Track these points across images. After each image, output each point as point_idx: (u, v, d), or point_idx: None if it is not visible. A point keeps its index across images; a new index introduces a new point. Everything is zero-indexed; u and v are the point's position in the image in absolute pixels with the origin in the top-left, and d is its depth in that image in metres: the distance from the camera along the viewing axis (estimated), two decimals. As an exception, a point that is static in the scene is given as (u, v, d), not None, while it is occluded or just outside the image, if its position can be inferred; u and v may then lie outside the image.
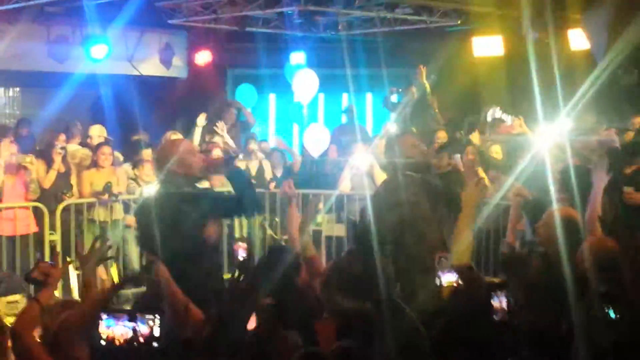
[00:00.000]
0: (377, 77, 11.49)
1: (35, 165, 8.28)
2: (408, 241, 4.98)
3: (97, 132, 9.33)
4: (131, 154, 9.48)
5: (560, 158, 6.83)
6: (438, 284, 3.89)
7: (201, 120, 10.09)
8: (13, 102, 12.15)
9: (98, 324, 2.13)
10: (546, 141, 7.16)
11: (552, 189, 5.91)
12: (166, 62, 11.75)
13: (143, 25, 11.14)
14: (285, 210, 9.56)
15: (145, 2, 9.87)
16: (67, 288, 8.50)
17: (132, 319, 2.17)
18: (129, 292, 8.50)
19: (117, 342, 2.11)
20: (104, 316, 2.16)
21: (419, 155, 5.36)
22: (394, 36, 11.19)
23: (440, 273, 3.87)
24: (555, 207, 5.78)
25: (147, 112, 10.68)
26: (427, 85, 9.84)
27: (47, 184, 8.45)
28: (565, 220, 4.70)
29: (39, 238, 8.32)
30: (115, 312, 2.15)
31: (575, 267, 4.16)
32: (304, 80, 10.83)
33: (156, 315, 2.19)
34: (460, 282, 3.79)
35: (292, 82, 10.95)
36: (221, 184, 9.34)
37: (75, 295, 8.46)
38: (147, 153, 9.00)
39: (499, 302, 3.12)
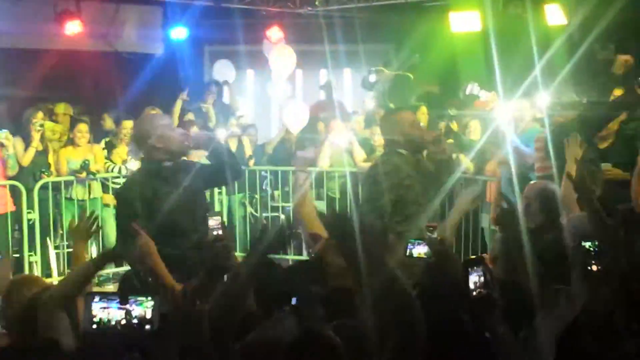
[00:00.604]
0: (355, 53, 11.45)
1: (11, 141, 8.20)
2: (398, 220, 4.94)
3: (62, 110, 9.24)
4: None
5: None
6: (407, 254, 3.81)
7: (183, 95, 10.09)
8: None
9: (90, 307, 2.12)
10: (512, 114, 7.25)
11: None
12: (142, 38, 11.64)
13: (118, 0, 11.00)
14: (263, 187, 9.66)
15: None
16: (46, 267, 8.48)
17: (123, 301, 2.16)
18: (110, 271, 8.49)
19: (109, 325, 2.10)
20: (96, 298, 2.14)
21: (418, 134, 5.26)
22: (371, 11, 11.15)
23: (410, 245, 3.81)
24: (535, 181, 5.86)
25: (122, 88, 10.59)
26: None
27: (26, 162, 8.37)
28: (546, 192, 4.77)
29: (17, 217, 8.26)
30: (106, 295, 2.14)
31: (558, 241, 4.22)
32: (281, 56, 10.77)
33: (149, 298, 2.18)
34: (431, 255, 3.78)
35: (269, 58, 10.88)
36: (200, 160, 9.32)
37: (55, 274, 8.44)
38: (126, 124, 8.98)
39: (477, 277, 3.08)
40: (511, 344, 3.08)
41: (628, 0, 8.63)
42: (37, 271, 8.25)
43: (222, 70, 11.54)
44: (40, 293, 3.52)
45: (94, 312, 2.17)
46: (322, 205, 9.36)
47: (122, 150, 8.99)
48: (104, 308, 2.14)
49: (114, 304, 2.18)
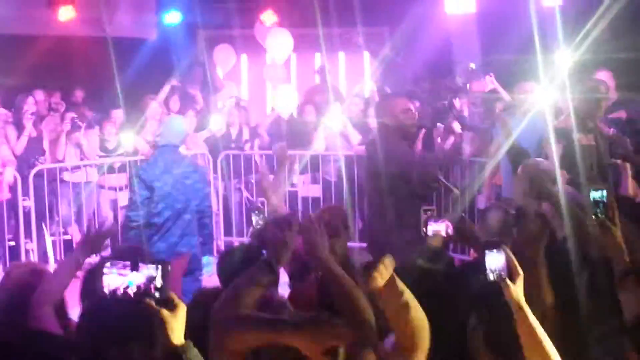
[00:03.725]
0: (348, 37, 11.40)
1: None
2: (407, 199, 5.02)
3: (40, 97, 9.25)
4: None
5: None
6: (423, 233, 3.87)
7: (174, 81, 10.06)
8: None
9: (101, 274, 2.10)
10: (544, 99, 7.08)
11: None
12: (135, 24, 11.57)
13: (111, -15, 10.94)
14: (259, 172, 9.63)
15: (112, -38, 9.68)
16: (43, 254, 8.44)
17: (134, 268, 2.15)
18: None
19: (119, 292, 2.10)
20: (107, 264, 2.13)
21: (411, 121, 5.33)
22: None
23: (428, 223, 3.84)
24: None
25: (116, 73, 10.53)
26: None
27: (19, 149, 8.32)
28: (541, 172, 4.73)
29: (12, 204, 8.21)
30: (116, 261, 2.12)
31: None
32: (278, 40, 10.71)
33: (159, 265, 2.17)
34: (449, 232, 3.80)
35: (265, 42, 10.83)
36: (195, 146, 9.31)
37: (52, 261, 8.40)
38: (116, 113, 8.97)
39: (494, 259, 3.03)
40: None
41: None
42: (34, 258, 8.22)
43: (222, 54, 11.49)
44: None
45: (105, 279, 2.16)
46: (316, 189, 9.36)
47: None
48: (115, 274, 2.13)
49: (126, 271, 2.17)
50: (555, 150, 5.59)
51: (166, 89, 10.04)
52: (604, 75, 7.59)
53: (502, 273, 2.77)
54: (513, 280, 2.74)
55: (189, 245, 6.19)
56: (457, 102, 8.95)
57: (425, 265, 3.76)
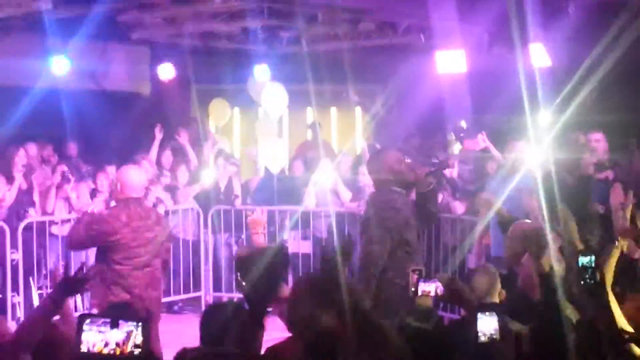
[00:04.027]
0: (341, 92, 11.50)
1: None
2: (399, 256, 5.04)
3: (33, 150, 9.29)
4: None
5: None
6: (412, 290, 3.90)
7: (157, 132, 10.00)
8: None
9: (80, 331, 2.08)
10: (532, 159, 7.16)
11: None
12: (129, 77, 11.66)
13: (105, 39, 11.03)
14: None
15: (107, 16, 9.78)
16: (29, 308, 8.34)
17: (114, 325, 2.13)
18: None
19: (98, 350, 2.07)
20: (87, 321, 2.11)
21: (406, 171, 5.37)
22: (358, 51, 11.24)
23: (419, 283, 3.85)
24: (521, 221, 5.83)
25: (110, 127, 10.57)
26: None
27: (9, 201, 8.29)
28: (532, 232, 4.74)
29: (0, 256, 8.15)
30: (96, 318, 2.10)
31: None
32: (273, 95, 10.78)
33: (139, 323, 2.15)
34: (439, 292, 3.80)
35: (260, 96, 10.89)
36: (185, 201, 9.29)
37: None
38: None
39: (488, 322, 3.03)
40: None
41: (611, 42, 8.74)
42: (20, 312, 8.13)
43: (217, 108, 11.56)
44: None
45: (84, 336, 2.13)
46: (306, 246, 9.34)
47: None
48: (95, 332, 2.11)
49: (105, 328, 2.14)
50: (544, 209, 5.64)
51: (156, 145, 9.99)
52: (597, 137, 7.74)
53: (495, 336, 2.77)
54: (504, 341, 2.75)
55: None
56: (447, 172, 8.98)
57: (414, 324, 3.75)
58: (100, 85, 11.23)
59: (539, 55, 9.92)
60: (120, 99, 11.42)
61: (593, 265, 3.67)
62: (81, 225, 5.69)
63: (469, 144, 9.80)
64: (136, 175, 5.93)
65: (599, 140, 7.77)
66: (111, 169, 8.91)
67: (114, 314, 2.10)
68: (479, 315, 2.88)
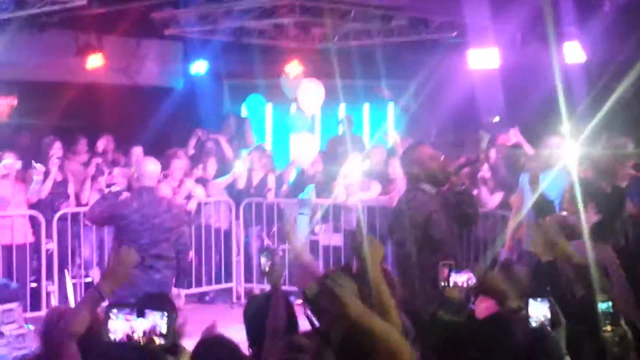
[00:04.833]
0: (373, 88, 11.49)
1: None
2: (426, 253, 5.01)
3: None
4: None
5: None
6: (443, 284, 3.89)
7: (199, 132, 10.15)
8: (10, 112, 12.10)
9: (107, 320, 2.13)
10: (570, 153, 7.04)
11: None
12: (162, 73, 11.77)
13: (139, 35, 11.16)
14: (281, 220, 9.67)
15: (141, 13, 9.89)
16: (63, 297, 8.48)
17: (140, 314, 2.18)
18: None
19: (125, 339, 2.12)
20: (114, 311, 2.16)
21: (438, 167, 5.32)
22: (390, 47, 11.24)
23: (450, 274, 3.85)
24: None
25: (143, 122, 10.68)
26: None
27: (44, 193, 8.43)
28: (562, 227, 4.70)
29: (35, 247, 8.29)
30: (123, 307, 2.15)
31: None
32: (309, 91, 10.80)
33: (164, 312, 2.19)
34: (470, 284, 3.80)
35: (294, 93, 10.91)
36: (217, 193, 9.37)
37: (73, 304, 8.43)
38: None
39: (537, 308, 3.02)
40: None
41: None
42: (55, 301, 8.27)
43: (254, 104, 11.63)
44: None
45: (111, 325, 2.18)
46: (338, 238, 9.36)
47: None
48: (122, 320, 2.16)
49: (131, 317, 2.19)
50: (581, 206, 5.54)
51: (193, 140, 10.14)
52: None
53: (546, 321, 2.80)
54: (555, 328, 2.76)
55: None
56: (492, 153, 8.92)
57: (446, 317, 3.74)
58: (134, 80, 11.34)
59: (573, 52, 9.85)
60: (153, 94, 11.52)
61: (611, 310, 3.56)
62: (99, 205, 6.45)
63: (501, 139, 9.74)
64: (152, 166, 6.42)
65: None
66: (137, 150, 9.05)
67: (141, 304, 2.15)
68: (530, 301, 2.90)
